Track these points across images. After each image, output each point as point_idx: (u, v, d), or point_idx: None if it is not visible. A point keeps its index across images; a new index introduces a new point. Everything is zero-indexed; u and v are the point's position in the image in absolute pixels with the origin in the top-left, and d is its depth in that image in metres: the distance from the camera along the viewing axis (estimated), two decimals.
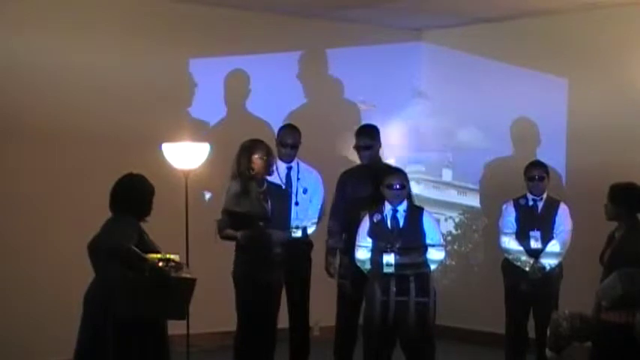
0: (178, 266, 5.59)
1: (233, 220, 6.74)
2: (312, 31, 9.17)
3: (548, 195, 7.53)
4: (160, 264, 5.49)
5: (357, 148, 7.36)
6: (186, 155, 7.50)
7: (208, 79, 8.68)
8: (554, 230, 7.44)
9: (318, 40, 9.23)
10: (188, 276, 5.59)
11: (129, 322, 5.49)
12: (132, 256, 5.44)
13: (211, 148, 7.61)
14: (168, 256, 5.58)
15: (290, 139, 7.47)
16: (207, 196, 8.52)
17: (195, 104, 8.65)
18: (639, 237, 6.06)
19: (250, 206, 6.75)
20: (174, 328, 7.60)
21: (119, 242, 5.45)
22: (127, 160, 7.44)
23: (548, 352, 5.94)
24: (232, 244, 6.84)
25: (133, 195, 5.73)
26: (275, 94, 8.91)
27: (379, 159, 7.45)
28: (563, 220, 7.45)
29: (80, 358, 5.65)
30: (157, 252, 5.63)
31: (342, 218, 7.33)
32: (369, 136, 7.37)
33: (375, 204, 6.91)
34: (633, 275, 5.78)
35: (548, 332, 6.05)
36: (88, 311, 5.62)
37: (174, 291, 5.50)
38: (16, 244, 7.72)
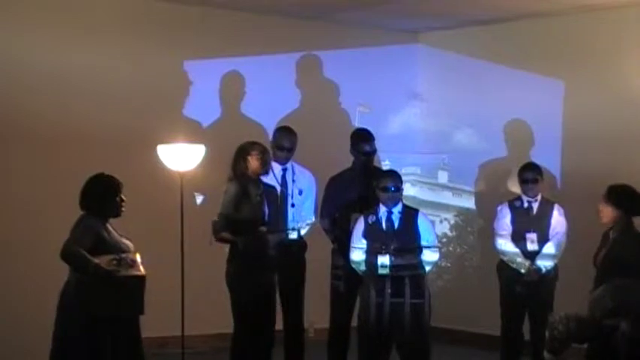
0: (130, 264, 5.77)
1: (232, 225, 6.74)
2: (307, 33, 9.17)
3: (542, 197, 7.54)
4: (113, 262, 5.70)
5: (368, 153, 7.44)
6: (181, 157, 7.49)
7: (204, 81, 8.69)
8: (550, 232, 7.44)
9: (314, 42, 9.23)
10: (137, 273, 5.74)
11: (99, 321, 5.63)
12: (74, 259, 5.67)
13: (207, 149, 7.61)
14: (129, 255, 5.81)
15: (287, 142, 7.48)
16: (199, 198, 8.51)
17: (191, 106, 8.65)
18: (632, 240, 6.07)
19: (251, 211, 6.76)
20: (170, 329, 7.69)
21: (65, 246, 5.69)
22: (122, 162, 7.46)
23: (546, 354, 5.94)
24: (227, 246, 6.84)
25: (96, 194, 5.88)
26: (271, 95, 8.91)
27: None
28: (559, 221, 7.46)
29: (53, 356, 5.77)
30: (123, 249, 5.82)
31: (332, 218, 7.44)
32: (374, 141, 7.53)
33: (367, 206, 6.94)
34: (622, 287, 5.79)
35: (546, 335, 6.05)
36: (58, 309, 5.86)
37: (124, 288, 5.71)
38: (13, 246, 7.74)
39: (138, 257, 5.87)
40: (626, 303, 5.74)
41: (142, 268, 5.82)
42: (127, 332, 5.83)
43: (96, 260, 5.68)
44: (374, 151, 7.55)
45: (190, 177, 7.64)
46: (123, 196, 5.97)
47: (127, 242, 5.97)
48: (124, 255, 5.80)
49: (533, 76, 8.84)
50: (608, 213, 6.23)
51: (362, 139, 7.54)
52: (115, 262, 5.72)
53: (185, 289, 7.56)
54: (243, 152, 6.87)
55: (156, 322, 6.32)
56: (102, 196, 5.91)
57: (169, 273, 7.42)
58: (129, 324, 5.85)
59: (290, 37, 9.09)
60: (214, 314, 7.56)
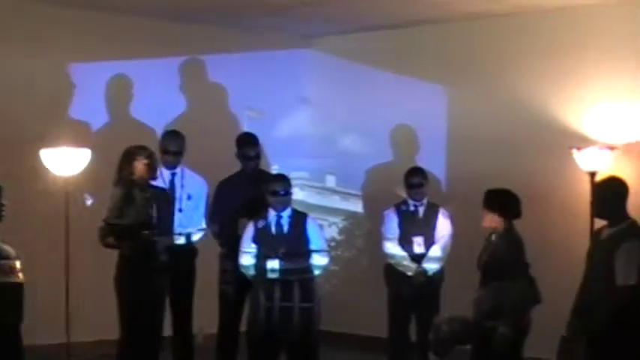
0: (8, 271, 5.67)
1: (116, 231, 6.65)
2: (197, 37, 9.11)
3: (428, 200, 7.67)
4: None
5: (249, 157, 7.43)
6: (66, 161, 7.37)
7: (90, 84, 8.55)
8: (435, 235, 7.58)
9: (205, 46, 9.18)
10: (15, 280, 5.66)
11: None
12: None
13: (94, 153, 7.51)
14: (8, 261, 5.68)
15: (173, 146, 7.42)
16: (89, 201, 8.37)
17: (76, 109, 8.49)
18: (512, 243, 6.23)
19: (135, 215, 6.68)
20: (55, 337, 7.54)
21: None
22: (6, 165, 7.30)
23: (431, 356, 6.05)
24: (115, 252, 6.76)
25: None
26: (159, 99, 8.83)
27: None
28: (444, 224, 7.60)
29: None
30: (2, 256, 5.67)
31: (221, 224, 7.42)
32: (258, 145, 7.53)
33: (257, 210, 6.96)
34: (499, 289, 5.96)
35: (430, 337, 6.16)
36: None
37: (1, 295, 5.60)
38: None
39: (18, 264, 5.75)
40: (503, 304, 5.91)
41: (20, 274, 5.71)
42: (7, 340, 5.71)
43: None
44: (258, 156, 7.56)
45: (78, 181, 7.53)
46: (4, 201, 5.83)
47: (8, 248, 5.83)
48: (1, 262, 5.68)
49: (419, 82, 8.99)
50: (487, 217, 6.36)
51: (245, 143, 7.56)
52: None
53: (71, 295, 7.45)
54: (129, 156, 6.78)
55: (40, 330, 6.19)
56: None
57: (55, 279, 7.29)
58: (9, 332, 5.72)
59: (179, 41, 9.01)
60: (101, 320, 7.45)
